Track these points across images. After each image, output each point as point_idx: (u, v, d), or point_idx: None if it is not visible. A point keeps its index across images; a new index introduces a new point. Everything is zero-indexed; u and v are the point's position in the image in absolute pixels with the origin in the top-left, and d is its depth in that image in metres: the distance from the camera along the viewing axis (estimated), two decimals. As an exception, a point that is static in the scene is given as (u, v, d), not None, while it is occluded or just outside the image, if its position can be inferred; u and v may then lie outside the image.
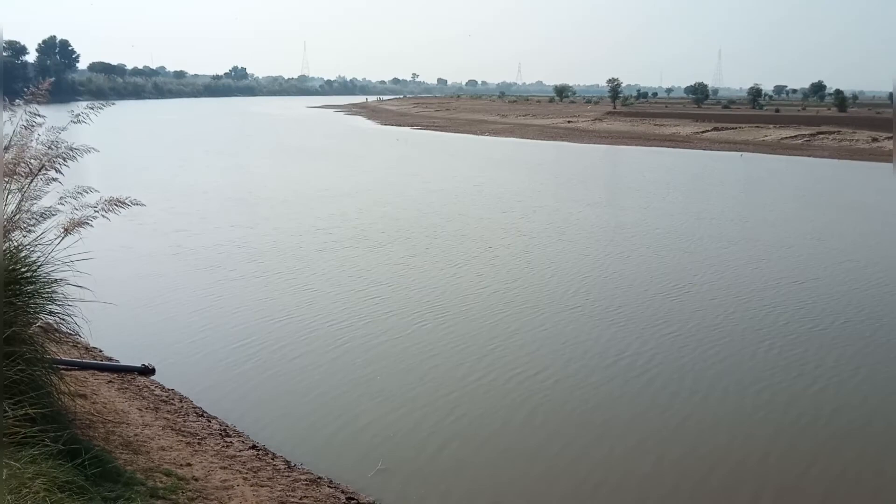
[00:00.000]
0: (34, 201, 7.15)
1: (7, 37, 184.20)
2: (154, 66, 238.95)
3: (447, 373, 11.34)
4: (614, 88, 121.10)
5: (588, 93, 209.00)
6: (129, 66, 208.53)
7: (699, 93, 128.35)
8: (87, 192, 7.62)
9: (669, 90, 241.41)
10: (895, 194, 34.48)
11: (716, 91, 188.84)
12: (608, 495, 8.16)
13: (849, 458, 9.05)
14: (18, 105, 7.48)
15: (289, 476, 8.01)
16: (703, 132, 67.44)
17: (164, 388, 10.40)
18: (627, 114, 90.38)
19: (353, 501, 7.60)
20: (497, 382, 10.99)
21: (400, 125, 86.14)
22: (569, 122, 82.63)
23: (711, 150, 56.25)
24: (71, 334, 8.54)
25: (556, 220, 24.66)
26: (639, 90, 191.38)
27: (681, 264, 18.80)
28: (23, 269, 7.09)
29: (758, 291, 16.22)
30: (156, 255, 18.64)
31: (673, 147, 58.47)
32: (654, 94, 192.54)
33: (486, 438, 9.34)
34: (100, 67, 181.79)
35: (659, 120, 78.94)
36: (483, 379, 11.10)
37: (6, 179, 6.73)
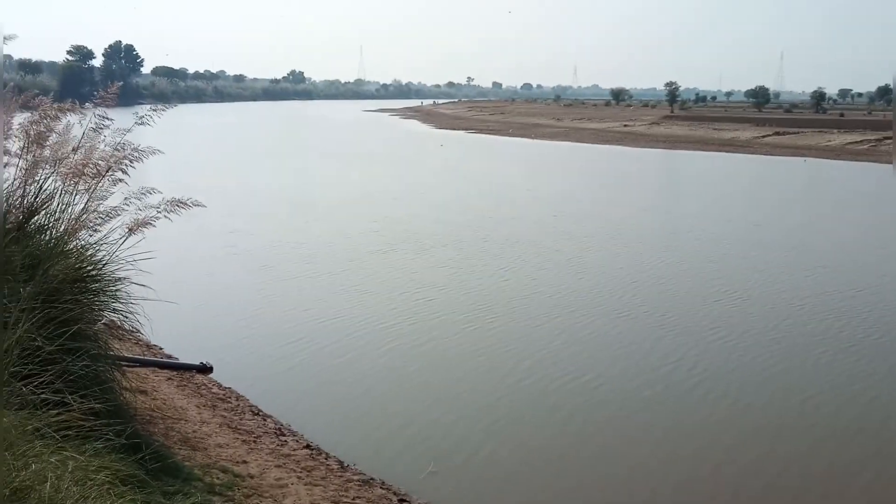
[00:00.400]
0: (101, 202, 7.34)
1: (75, 41, 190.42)
2: (214, 70, 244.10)
3: (493, 375, 11.34)
4: (672, 92, 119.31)
5: (645, 96, 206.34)
6: (191, 71, 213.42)
7: (760, 96, 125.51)
8: (150, 193, 7.79)
9: (729, 94, 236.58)
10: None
11: (777, 94, 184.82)
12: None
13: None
14: (88, 108, 7.71)
15: (342, 476, 8.08)
16: (763, 137, 65.96)
17: (221, 386, 10.59)
18: (685, 118, 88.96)
19: (404, 502, 7.63)
20: (542, 385, 10.97)
21: (454, 128, 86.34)
22: (625, 125, 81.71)
23: (772, 155, 55.03)
24: (133, 332, 8.76)
25: (609, 225, 24.41)
26: (697, 94, 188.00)
27: (735, 270, 18.41)
28: (89, 268, 7.30)
29: (812, 298, 15.82)
30: (212, 255, 19.05)
31: (732, 152, 57.35)
32: (714, 98, 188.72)
33: (533, 442, 9.33)
34: (163, 71, 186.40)
35: (718, 124, 77.45)
36: (528, 382, 11.08)
37: (75, 180, 6.94)
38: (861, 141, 59.77)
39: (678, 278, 17.52)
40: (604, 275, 17.73)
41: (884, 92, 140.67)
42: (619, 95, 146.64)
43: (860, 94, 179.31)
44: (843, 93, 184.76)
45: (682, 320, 14.17)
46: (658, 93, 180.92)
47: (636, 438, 9.48)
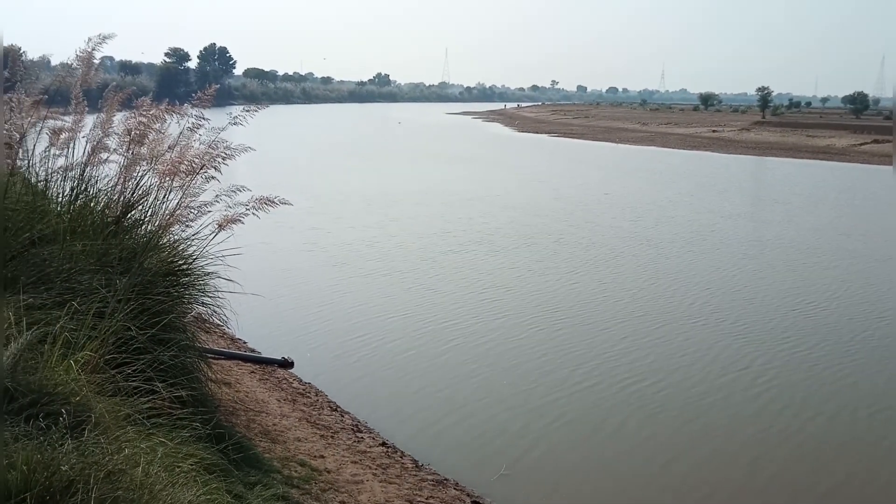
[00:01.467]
0: (193, 198, 7.60)
1: (172, 44, 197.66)
2: (303, 73, 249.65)
3: (564, 378, 11.30)
4: (764, 97, 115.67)
5: (735, 101, 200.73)
6: (280, 73, 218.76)
7: (858, 102, 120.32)
8: (240, 191, 8.01)
9: (825, 100, 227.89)
10: None
11: (877, 101, 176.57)
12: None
13: None
14: (186, 108, 8.01)
15: (416, 475, 8.14)
16: (860, 144, 63.22)
17: (301, 381, 10.83)
18: (777, 124, 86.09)
19: (477, 504, 7.64)
20: (605, 387, 10.96)
21: (537, 132, 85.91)
22: (713, 131, 79.65)
23: (870, 163, 52.72)
24: (220, 325, 9.05)
25: (689, 232, 23.86)
26: (791, 99, 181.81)
27: (818, 281, 17.75)
28: (180, 262, 7.57)
29: None
30: (292, 252, 19.64)
31: (827, 160, 55.22)
32: (808, 104, 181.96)
33: (597, 444, 9.33)
34: (254, 73, 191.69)
35: (812, 131, 74.65)
36: (593, 384, 11.07)
37: (170, 177, 7.21)
38: (968, 150, 56.69)
39: (755, 286, 17.00)
40: (677, 281, 17.35)
41: None
42: (707, 100, 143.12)
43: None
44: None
45: (754, 328, 13.79)
46: (749, 98, 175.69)
47: (692, 444, 9.35)
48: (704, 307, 15.23)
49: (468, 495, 7.84)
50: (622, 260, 19.49)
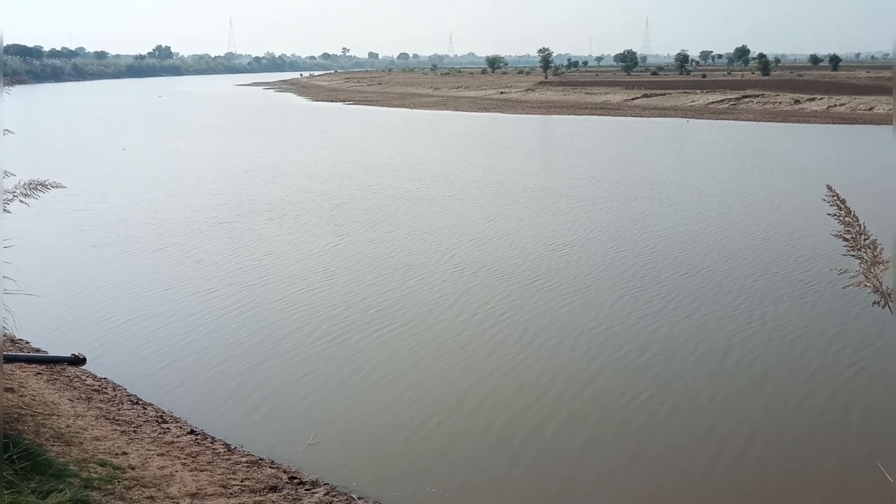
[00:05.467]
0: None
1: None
2: (73, 48, 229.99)
3: (355, 345, 11.42)
4: (545, 58, 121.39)
5: (520, 63, 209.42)
6: (46, 48, 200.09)
7: (628, 60, 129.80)
8: (5, 176, 7.27)
9: (600, 59, 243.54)
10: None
11: (644, 58, 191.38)
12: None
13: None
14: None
15: (229, 459, 7.90)
16: (633, 99, 68.41)
17: (95, 377, 10.12)
18: (559, 83, 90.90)
19: (295, 480, 7.53)
20: (405, 345, 11.16)
21: (332, 100, 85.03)
22: (501, 93, 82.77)
23: (641, 116, 57.08)
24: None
25: (459, 185, 24.90)
26: (570, 59, 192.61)
27: (571, 220, 19.19)
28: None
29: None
30: (64, 238, 18.45)
31: (605, 115, 59.13)
32: (585, 63, 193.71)
33: (399, 405, 9.48)
34: (14, 50, 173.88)
35: (590, 88, 79.71)
36: (385, 339, 11.24)
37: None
38: (722, 100, 62.95)
39: (518, 231, 17.99)
40: (433, 234, 18.04)
41: (741, 53, 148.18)
42: (494, 63, 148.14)
43: (720, 56, 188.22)
44: (705, 55, 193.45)
45: (509, 269, 14.66)
46: (532, 60, 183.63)
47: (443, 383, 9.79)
48: (448, 253, 16.04)
49: (284, 472, 7.72)
50: (399, 218, 20.26)
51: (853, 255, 3.25)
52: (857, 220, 3.32)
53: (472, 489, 7.62)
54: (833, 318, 12.27)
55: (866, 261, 3.20)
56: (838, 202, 3.31)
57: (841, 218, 3.31)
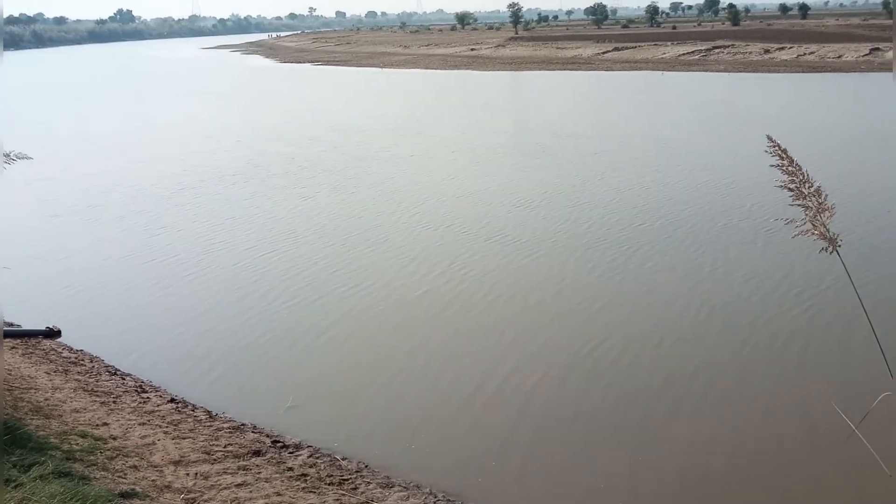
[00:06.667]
0: None
1: None
2: (31, 14, 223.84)
3: (321, 306, 11.50)
4: (515, 13, 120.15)
5: (489, 19, 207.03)
6: (4, 15, 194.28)
7: (598, 13, 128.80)
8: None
9: (570, 12, 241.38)
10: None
11: (615, 11, 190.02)
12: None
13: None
14: None
15: (211, 426, 7.93)
16: (604, 53, 68.06)
17: (72, 349, 10.07)
18: (529, 38, 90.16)
19: (278, 444, 7.59)
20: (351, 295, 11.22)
21: (299, 62, 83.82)
22: (472, 49, 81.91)
23: (612, 70, 56.93)
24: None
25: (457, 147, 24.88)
26: (540, 14, 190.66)
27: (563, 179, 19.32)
28: None
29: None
30: (29, 209, 18.23)
31: (576, 70, 58.88)
32: (555, 17, 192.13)
33: (370, 364, 9.55)
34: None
35: (561, 43, 79.10)
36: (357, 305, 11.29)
37: None
38: (693, 52, 62.87)
39: (481, 189, 18.07)
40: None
41: (711, 3, 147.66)
42: (463, 19, 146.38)
43: (690, 7, 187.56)
44: (675, 6, 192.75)
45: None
46: (502, 15, 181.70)
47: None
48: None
49: (267, 436, 7.77)
50: (365, 179, 20.20)
51: (799, 205, 3.32)
52: (801, 170, 3.36)
53: (447, 442, 7.75)
54: (782, 261, 12.50)
55: (811, 209, 3.27)
56: (780, 152, 3.35)
57: (784, 168, 3.35)
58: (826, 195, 3.30)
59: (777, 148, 3.33)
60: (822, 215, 3.24)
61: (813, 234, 3.23)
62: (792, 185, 3.30)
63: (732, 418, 7.99)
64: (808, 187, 3.27)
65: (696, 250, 13.44)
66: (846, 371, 8.80)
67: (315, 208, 17.53)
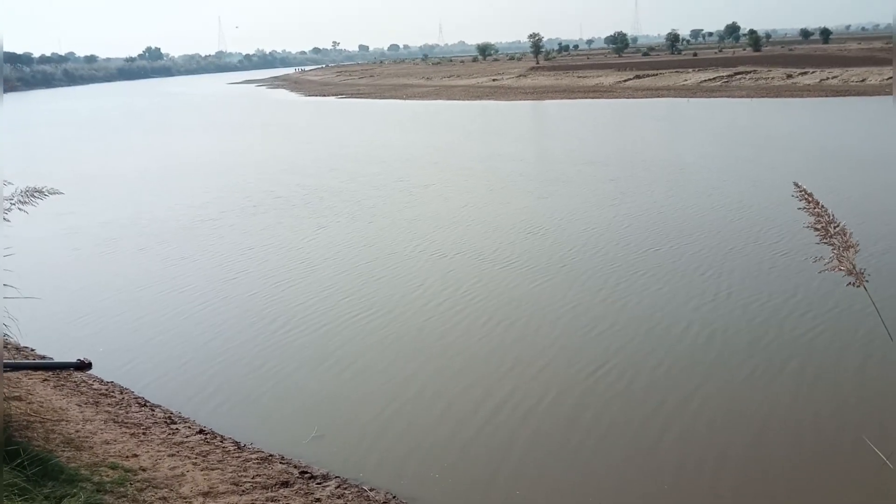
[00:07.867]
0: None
1: None
2: (63, 53, 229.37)
3: (341, 334, 11.54)
4: (536, 43, 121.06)
5: (510, 49, 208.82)
6: (36, 55, 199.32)
7: (619, 42, 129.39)
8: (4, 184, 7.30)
9: (590, 41, 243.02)
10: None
11: (635, 39, 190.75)
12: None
13: None
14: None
15: (239, 457, 7.97)
16: (625, 81, 68.22)
17: (102, 381, 10.19)
18: (551, 68, 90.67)
19: (306, 474, 7.60)
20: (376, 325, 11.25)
21: (324, 95, 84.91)
22: (493, 80, 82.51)
23: (634, 98, 57.03)
24: (-2, 335, 8.24)
25: (450, 171, 25.02)
26: (560, 43, 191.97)
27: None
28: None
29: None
30: (58, 242, 18.68)
31: (598, 98, 59.06)
32: (576, 47, 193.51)
33: (394, 394, 9.59)
34: (4, 58, 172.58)
35: (582, 72, 79.46)
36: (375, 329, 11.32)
37: None
38: (714, 78, 62.82)
39: (498, 214, 18.09)
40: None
41: (732, 30, 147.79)
42: (485, 50, 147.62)
43: (710, 34, 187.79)
44: (695, 33, 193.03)
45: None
46: (523, 45, 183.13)
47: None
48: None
49: (295, 466, 7.79)
50: (381, 209, 20.28)
51: (826, 243, 3.52)
52: (826, 211, 3.63)
53: (471, 471, 7.71)
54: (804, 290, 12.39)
55: (838, 246, 3.46)
56: (806, 196, 3.59)
57: (810, 210, 3.56)
58: (851, 233, 3.49)
59: (803, 192, 3.55)
60: (847, 252, 3.43)
61: (840, 269, 3.42)
62: (818, 226, 3.50)
63: (738, 440, 7.90)
64: (834, 227, 3.48)
65: (710, 276, 13.43)
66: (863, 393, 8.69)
67: (335, 237, 17.72)
